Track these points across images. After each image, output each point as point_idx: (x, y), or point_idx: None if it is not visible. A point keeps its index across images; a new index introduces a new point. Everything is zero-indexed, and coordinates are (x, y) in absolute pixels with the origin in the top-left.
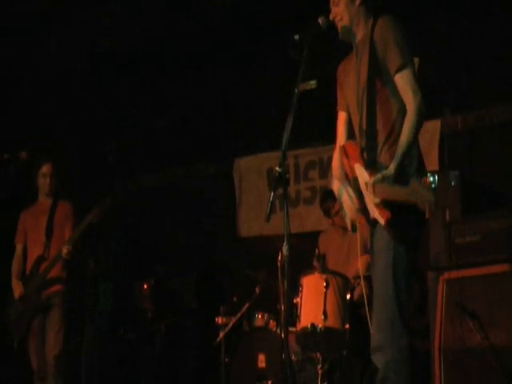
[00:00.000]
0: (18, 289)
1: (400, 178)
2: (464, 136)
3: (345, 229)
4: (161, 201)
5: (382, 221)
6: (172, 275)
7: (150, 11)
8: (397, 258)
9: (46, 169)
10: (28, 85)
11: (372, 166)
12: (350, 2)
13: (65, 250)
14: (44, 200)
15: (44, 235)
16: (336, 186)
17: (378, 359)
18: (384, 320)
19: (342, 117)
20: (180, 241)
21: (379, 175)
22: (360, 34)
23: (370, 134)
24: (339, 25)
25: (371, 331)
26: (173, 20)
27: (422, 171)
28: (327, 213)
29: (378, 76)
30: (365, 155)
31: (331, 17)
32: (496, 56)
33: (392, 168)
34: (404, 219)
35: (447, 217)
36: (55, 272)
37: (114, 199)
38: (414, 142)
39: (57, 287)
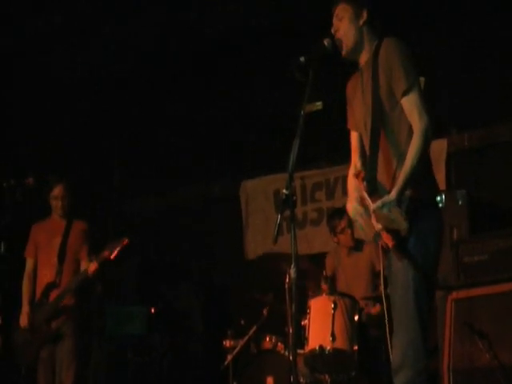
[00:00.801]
0: (26, 317)
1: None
2: (470, 155)
3: (350, 248)
4: (167, 223)
5: (389, 246)
6: (178, 299)
7: (148, 29)
8: (416, 278)
9: (57, 191)
10: (32, 107)
11: (378, 189)
12: (354, 19)
13: (92, 267)
14: (58, 219)
15: (57, 260)
16: (350, 206)
17: (399, 380)
18: (406, 342)
19: (354, 136)
20: (187, 263)
21: (379, 202)
22: (365, 55)
23: (374, 157)
24: (342, 42)
25: (391, 353)
26: (178, 40)
27: (436, 192)
28: (333, 230)
29: (385, 98)
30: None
31: (332, 30)
32: (502, 75)
33: (393, 193)
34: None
35: (455, 236)
36: (66, 300)
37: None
38: (418, 166)
39: (68, 315)
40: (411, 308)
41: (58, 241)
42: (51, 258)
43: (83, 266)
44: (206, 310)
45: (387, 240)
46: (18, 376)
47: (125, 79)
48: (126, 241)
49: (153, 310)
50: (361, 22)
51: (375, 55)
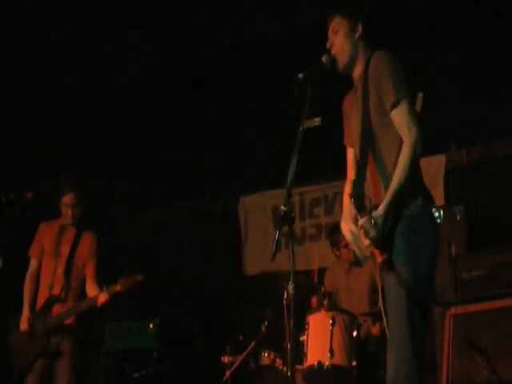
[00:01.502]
0: (26, 321)
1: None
2: (469, 170)
3: (351, 263)
4: (165, 238)
5: (378, 261)
6: (177, 314)
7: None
8: (408, 294)
9: (68, 198)
10: (31, 121)
11: (365, 206)
12: (349, 34)
13: (102, 299)
14: (67, 227)
15: (63, 272)
16: (344, 226)
17: None
18: (398, 358)
19: (350, 152)
20: (185, 279)
21: (365, 218)
22: (358, 68)
23: (362, 174)
24: (337, 57)
25: (387, 368)
26: (177, 58)
27: (429, 206)
28: (336, 245)
29: (374, 114)
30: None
31: (328, 45)
32: (501, 90)
33: (380, 209)
34: None
35: (453, 251)
36: (68, 320)
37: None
38: (406, 183)
39: (68, 333)
40: (403, 324)
41: (65, 250)
42: (57, 267)
43: (90, 288)
44: (204, 325)
45: (376, 255)
46: (10, 379)
47: (125, 92)
48: (140, 277)
49: (152, 326)
50: (356, 36)
51: (366, 69)
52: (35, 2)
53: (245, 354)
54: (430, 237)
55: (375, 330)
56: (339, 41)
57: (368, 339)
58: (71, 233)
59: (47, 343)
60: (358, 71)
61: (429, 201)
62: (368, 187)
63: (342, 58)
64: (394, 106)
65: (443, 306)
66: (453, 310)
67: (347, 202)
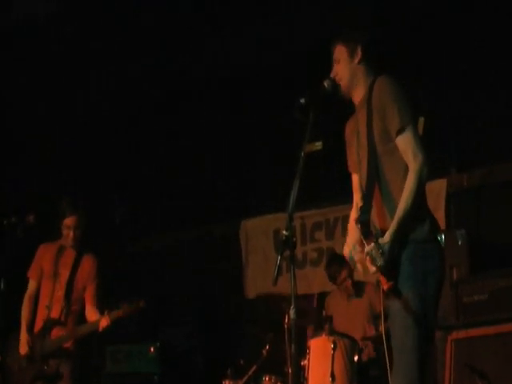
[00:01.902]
0: (26, 345)
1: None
2: (470, 194)
3: (350, 295)
4: (167, 262)
5: (384, 288)
6: (178, 338)
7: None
8: (415, 321)
9: (70, 221)
10: (31, 143)
11: (372, 232)
12: (349, 60)
13: (104, 323)
14: (67, 249)
15: (63, 296)
16: (347, 250)
17: None
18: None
19: (355, 178)
20: (186, 303)
21: (372, 244)
22: (359, 93)
23: (369, 200)
24: (340, 83)
25: None
26: (175, 81)
27: (436, 231)
28: (333, 278)
29: (378, 140)
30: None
31: (332, 74)
32: (501, 114)
33: (387, 236)
34: None
35: (454, 276)
36: (68, 343)
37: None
38: (412, 209)
39: (67, 356)
40: (409, 350)
41: (65, 273)
42: (57, 290)
43: (90, 312)
44: (205, 349)
45: (382, 282)
46: None
47: (125, 116)
48: (142, 303)
49: (153, 349)
50: (356, 61)
51: (369, 94)
52: None
53: (246, 377)
54: (436, 262)
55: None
56: (341, 69)
57: (369, 363)
58: (71, 255)
59: (45, 366)
60: (359, 96)
61: (435, 226)
62: (373, 213)
63: (344, 85)
64: (399, 132)
65: (444, 331)
66: (454, 335)
67: (352, 227)
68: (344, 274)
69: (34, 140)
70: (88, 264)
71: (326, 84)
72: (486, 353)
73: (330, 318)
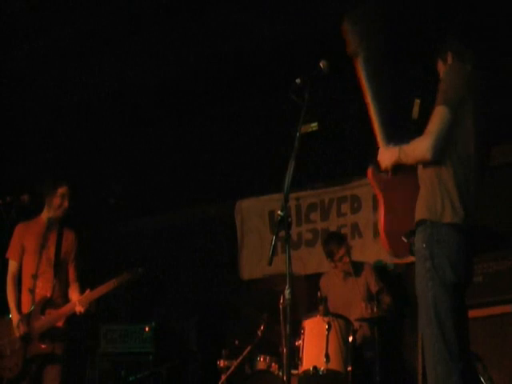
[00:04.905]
0: (21, 326)
1: None
2: None
3: (346, 273)
4: (162, 243)
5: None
6: (173, 317)
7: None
8: (437, 298)
9: (63, 190)
10: (27, 126)
11: None
12: None
13: (79, 309)
14: (46, 223)
15: (53, 273)
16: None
17: None
18: (433, 361)
19: None
20: (181, 283)
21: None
22: None
23: None
24: None
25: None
26: (171, 65)
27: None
28: (330, 256)
29: None
30: None
31: None
32: (497, 98)
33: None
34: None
35: None
36: (59, 322)
37: (137, 274)
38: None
39: (61, 337)
40: (435, 327)
41: (51, 251)
42: (45, 269)
43: (72, 290)
44: (200, 329)
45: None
46: None
47: (120, 99)
48: (141, 270)
49: (147, 329)
50: None
51: None
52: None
53: (240, 358)
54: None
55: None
56: None
57: (364, 344)
58: (53, 231)
59: (43, 346)
60: None
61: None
62: None
63: None
64: None
65: None
66: None
67: None
68: (342, 251)
69: (30, 122)
70: (68, 240)
71: (321, 65)
72: (481, 335)
73: (324, 299)
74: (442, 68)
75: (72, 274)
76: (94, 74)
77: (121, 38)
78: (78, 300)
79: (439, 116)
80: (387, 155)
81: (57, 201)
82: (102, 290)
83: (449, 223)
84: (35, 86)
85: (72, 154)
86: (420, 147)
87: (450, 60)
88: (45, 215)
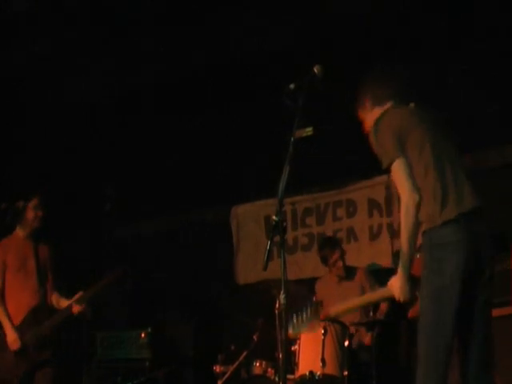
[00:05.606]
0: (16, 341)
1: None
2: None
3: (341, 278)
4: (158, 248)
5: None
6: (169, 323)
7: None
8: (437, 299)
9: (35, 201)
10: (23, 131)
11: None
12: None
13: (76, 309)
14: (23, 238)
15: (37, 283)
16: None
17: None
18: (422, 373)
19: None
20: (177, 288)
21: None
22: None
23: None
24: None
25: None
26: (170, 67)
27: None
28: (325, 260)
29: None
30: None
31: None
32: (491, 99)
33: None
34: None
35: None
36: (50, 330)
37: (118, 272)
38: (409, 247)
39: (54, 345)
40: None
41: (32, 263)
42: (29, 281)
43: (57, 300)
44: (196, 335)
45: None
46: None
47: (114, 102)
48: (123, 270)
49: (143, 335)
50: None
51: None
52: None
53: (236, 363)
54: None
55: (368, 340)
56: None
57: (360, 349)
58: (30, 245)
59: (40, 354)
60: None
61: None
62: None
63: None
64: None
65: None
66: None
67: None
68: (336, 256)
69: (24, 128)
70: (44, 253)
71: (315, 70)
72: None
73: (320, 303)
74: (364, 116)
75: (50, 287)
76: (91, 75)
77: (120, 39)
78: (73, 300)
79: (395, 173)
80: (397, 287)
81: (30, 214)
82: (92, 289)
83: (443, 222)
84: (33, 87)
85: (68, 158)
86: (404, 209)
87: (368, 106)
88: (21, 230)
